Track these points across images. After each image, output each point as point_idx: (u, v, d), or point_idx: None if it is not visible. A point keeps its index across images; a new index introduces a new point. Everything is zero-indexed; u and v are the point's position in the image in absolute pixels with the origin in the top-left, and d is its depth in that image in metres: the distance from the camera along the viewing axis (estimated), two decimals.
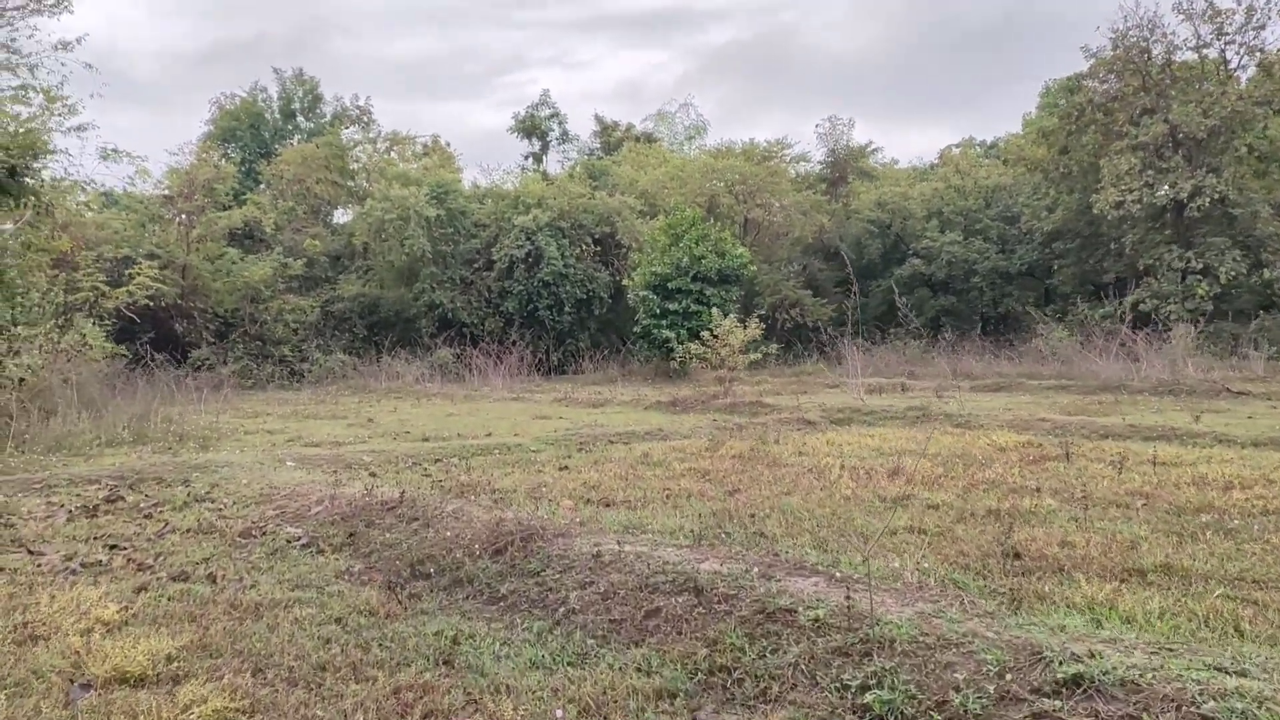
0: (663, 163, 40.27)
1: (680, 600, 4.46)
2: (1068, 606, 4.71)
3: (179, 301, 28.83)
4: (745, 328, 18.34)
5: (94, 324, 22.82)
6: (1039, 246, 38.03)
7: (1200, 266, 30.19)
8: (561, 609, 4.80)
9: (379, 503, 7.16)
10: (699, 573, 4.70)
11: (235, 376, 27.27)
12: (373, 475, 10.17)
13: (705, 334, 18.87)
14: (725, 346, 18.18)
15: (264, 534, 7.19)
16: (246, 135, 42.42)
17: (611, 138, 48.67)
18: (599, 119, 50.13)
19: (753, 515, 7.38)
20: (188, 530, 7.36)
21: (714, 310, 19.61)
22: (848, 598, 3.98)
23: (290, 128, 44.13)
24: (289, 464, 10.73)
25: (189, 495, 8.79)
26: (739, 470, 9.76)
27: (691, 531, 6.70)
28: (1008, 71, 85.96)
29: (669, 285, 29.18)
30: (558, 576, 5.16)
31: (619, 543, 5.31)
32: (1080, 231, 36.06)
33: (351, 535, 6.72)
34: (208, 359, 27.91)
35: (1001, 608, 4.44)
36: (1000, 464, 9.61)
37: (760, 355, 19.05)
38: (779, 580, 4.52)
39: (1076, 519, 6.74)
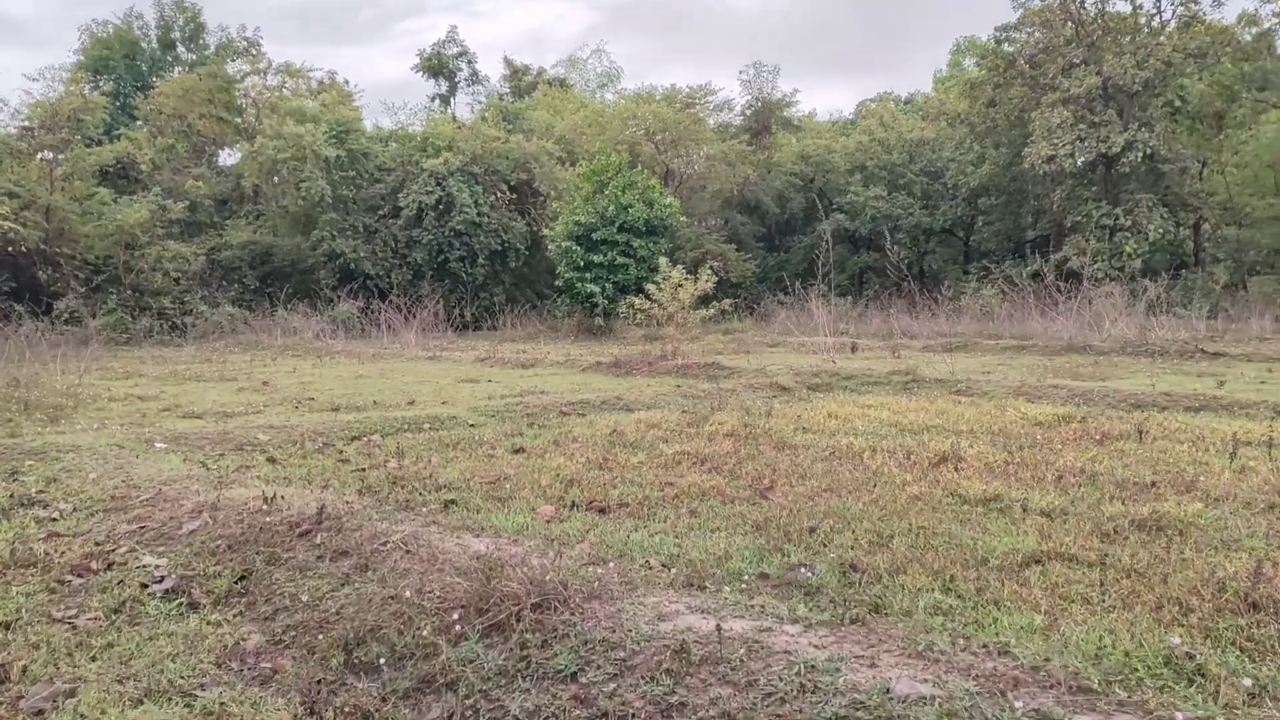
0: (580, 108, 37.60)
1: None
2: None
3: (42, 246, 25.17)
4: (695, 280, 16.19)
5: None
6: (963, 203, 36.84)
7: (1129, 224, 29.25)
8: None
9: (286, 521, 4.79)
10: (898, 702, 2.53)
11: (108, 331, 23.92)
12: (272, 462, 7.74)
13: (650, 287, 16.65)
14: (675, 301, 16.00)
15: (109, 567, 4.76)
16: (121, 67, 37.92)
17: (522, 82, 45.60)
18: (509, 62, 46.93)
19: (812, 530, 5.28)
20: None
21: (662, 260, 17.41)
22: None
23: (170, 59, 39.68)
24: (158, 445, 8.18)
25: (11, 497, 6.22)
26: (743, 454, 7.65)
27: (749, 558, 4.59)
28: (916, 32, 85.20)
29: (593, 236, 26.84)
30: (611, 686, 2.93)
31: (716, 623, 3.09)
32: (1005, 188, 34.97)
33: (244, 578, 4.35)
34: (75, 311, 24.40)
35: None
36: (1063, 445, 7.71)
37: (713, 312, 16.94)
38: None
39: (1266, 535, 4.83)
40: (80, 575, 4.67)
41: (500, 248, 30.76)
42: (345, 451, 8.40)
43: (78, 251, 25.97)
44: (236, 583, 4.31)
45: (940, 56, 68.65)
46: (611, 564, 3.96)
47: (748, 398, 11.38)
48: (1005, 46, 33.49)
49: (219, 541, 4.83)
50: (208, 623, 3.99)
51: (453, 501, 6.13)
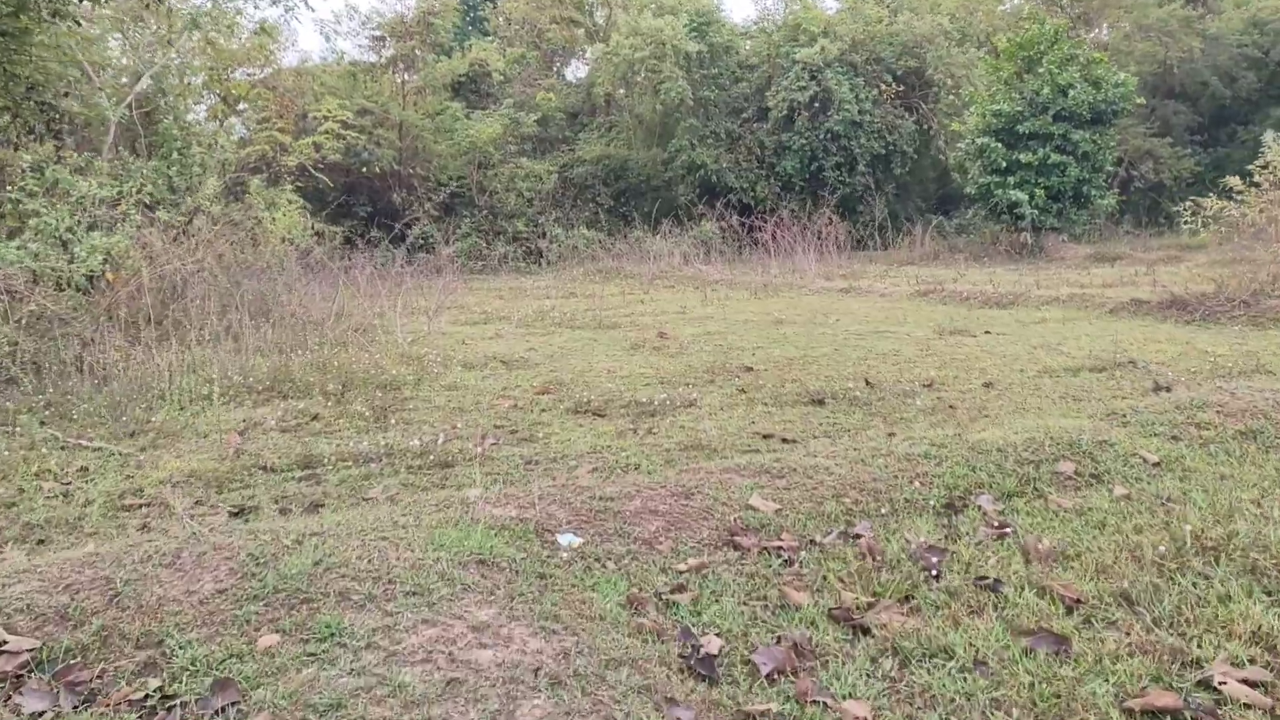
0: None
1: None
2: None
3: (395, 167, 22.56)
4: None
5: (287, 189, 16.61)
6: None
7: None
8: None
9: None
10: None
11: (461, 258, 20.87)
12: (838, 623, 2.77)
13: (1232, 180, 10.30)
14: (1276, 204, 9.65)
15: None
16: None
17: None
18: None
19: None
20: None
21: (1268, 134, 10.89)
22: None
23: None
24: (563, 541, 3.46)
25: None
26: None
27: None
28: None
29: (1018, 129, 20.19)
30: None
31: None
32: None
33: None
34: (429, 236, 21.58)
35: None
36: None
37: None
38: None
39: None
40: None
41: (884, 151, 24.75)
42: (966, 557, 3.31)
43: (430, 172, 23.21)
44: None
45: None
46: None
47: None
48: None
49: None
50: None
51: None
